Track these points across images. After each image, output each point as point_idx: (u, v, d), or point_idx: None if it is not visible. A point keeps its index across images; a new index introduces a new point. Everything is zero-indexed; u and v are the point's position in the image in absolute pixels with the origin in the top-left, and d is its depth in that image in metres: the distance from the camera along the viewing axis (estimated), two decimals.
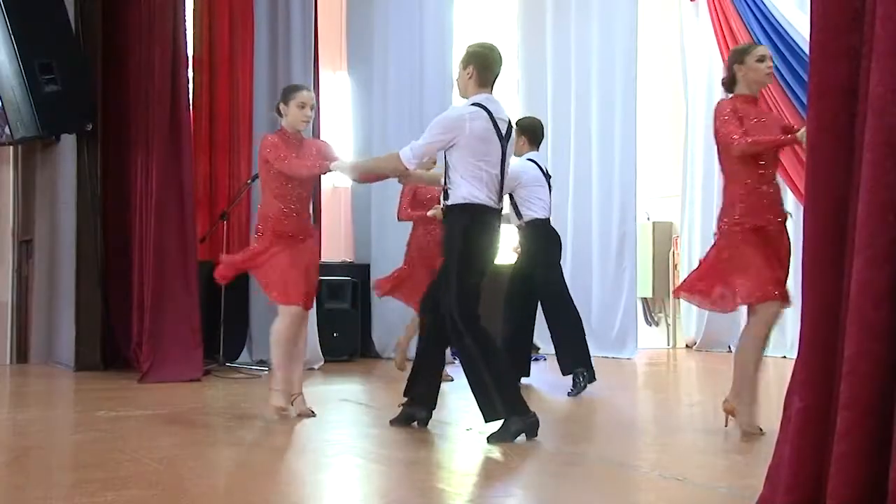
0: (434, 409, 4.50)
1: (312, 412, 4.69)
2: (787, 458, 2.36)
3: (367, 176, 4.82)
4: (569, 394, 5.72)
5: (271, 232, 4.66)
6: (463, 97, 4.37)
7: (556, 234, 6.14)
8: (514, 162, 5.82)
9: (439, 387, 4.52)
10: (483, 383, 4.04)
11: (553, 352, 6.21)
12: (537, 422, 4.03)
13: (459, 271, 4.12)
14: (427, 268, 6.03)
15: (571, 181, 9.06)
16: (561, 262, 6.16)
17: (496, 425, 4.04)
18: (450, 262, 4.17)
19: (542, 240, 5.97)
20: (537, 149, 6.15)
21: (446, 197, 4.22)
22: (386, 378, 6.73)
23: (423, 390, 4.49)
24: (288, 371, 4.66)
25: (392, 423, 4.49)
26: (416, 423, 4.47)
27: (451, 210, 4.21)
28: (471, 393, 4.12)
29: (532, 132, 6.10)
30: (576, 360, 5.84)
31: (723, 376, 7.60)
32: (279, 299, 4.63)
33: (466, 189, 4.14)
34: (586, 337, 6.03)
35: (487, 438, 3.98)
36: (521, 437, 3.98)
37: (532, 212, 5.93)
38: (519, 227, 6.03)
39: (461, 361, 4.19)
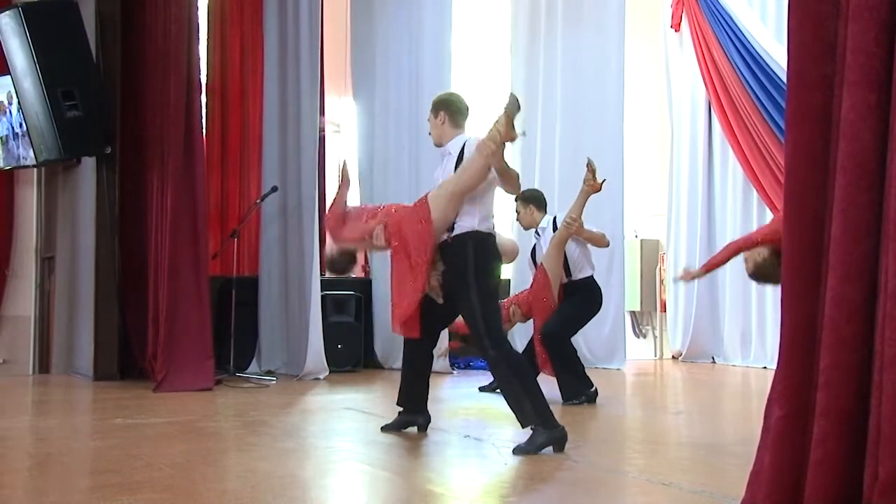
0: (427, 411, 4.54)
1: None
2: (768, 465, 2.36)
3: None
4: (564, 403, 5.71)
5: None
6: (438, 143, 4.39)
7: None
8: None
9: (427, 390, 4.55)
10: (516, 395, 4.02)
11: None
12: (565, 435, 3.96)
13: (482, 298, 4.08)
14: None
15: (561, 201, 9.05)
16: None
17: (522, 437, 4.01)
18: (469, 296, 4.09)
19: (598, 296, 6.00)
20: (546, 212, 6.14)
21: (451, 229, 4.20)
22: (388, 388, 6.72)
23: (414, 397, 4.54)
24: None
25: (384, 429, 4.53)
26: (416, 428, 4.52)
27: (458, 239, 4.18)
28: (506, 405, 4.11)
29: (537, 201, 6.11)
30: (577, 391, 5.81)
31: (706, 386, 7.63)
32: None
33: (471, 218, 4.18)
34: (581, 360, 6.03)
35: (513, 450, 3.89)
36: (548, 450, 3.90)
37: (586, 271, 5.95)
38: (566, 284, 5.92)
39: (496, 378, 4.22)
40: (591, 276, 6.00)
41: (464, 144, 4.25)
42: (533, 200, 6.09)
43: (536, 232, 6.10)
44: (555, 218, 6.02)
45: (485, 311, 4.07)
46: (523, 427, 4.02)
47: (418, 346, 4.47)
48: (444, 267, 4.22)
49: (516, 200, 6.16)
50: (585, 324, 6.13)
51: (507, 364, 4.06)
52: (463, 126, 4.36)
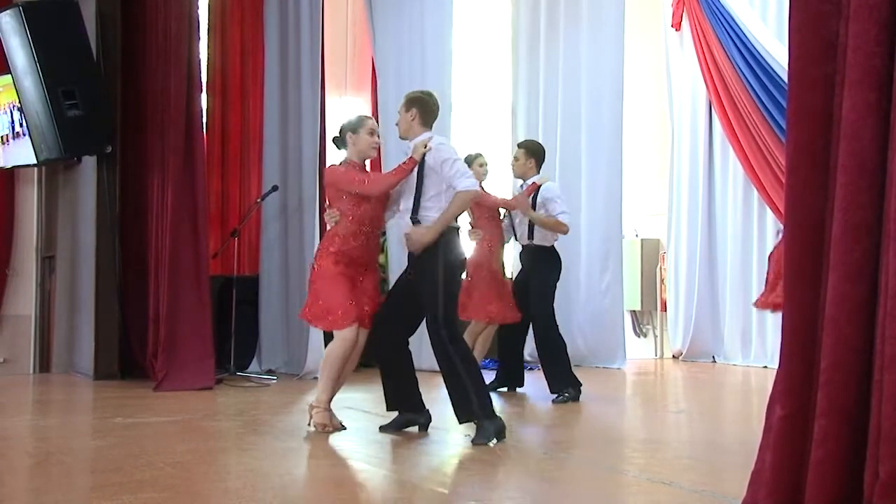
0: (427, 410, 4.55)
1: (343, 426, 4.58)
2: (769, 464, 2.36)
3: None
4: (553, 400, 5.73)
5: (336, 251, 4.42)
6: (404, 137, 4.52)
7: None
8: (547, 185, 6.02)
9: (417, 387, 4.57)
10: (463, 389, 4.17)
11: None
12: (504, 425, 4.19)
13: (446, 289, 4.25)
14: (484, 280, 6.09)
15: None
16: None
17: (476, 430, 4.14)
18: (435, 282, 4.24)
19: (557, 262, 6.00)
20: (540, 171, 6.17)
21: (417, 222, 4.31)
22: None
23: (404, 396, 4.56)
24: (334, 391, 4.57)
25: (383, 429, 4.54)
26: (417, 428, 4.53)
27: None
28: (448, 396, 4.25)
29: (539, 159, 6.15)
30: (564, 381, 5.84)
31: (707, 385, 7.63)
32: (334, 325, 4.42)
33: (435, 213, 4.30)
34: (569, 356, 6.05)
35: (472, 441, 4.10)
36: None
37: (552, 236, 5.97)
38: (527, 246, 6.02)
39: (443, 368, 4.26)
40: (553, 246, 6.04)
41: (424, 154, 4.34)
42: (535, 156, 6.15)
43: (523, 187, 6.15)
44: (539, 187, 6.00)
45: (446, 303, 4.23)
46: (460, 423, 4.22)
47: (391, 344, 4.49)
48: (416, 258, 4.33)
49: (520, 147, 6.26)
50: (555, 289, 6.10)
51: (461, 359, 4.19)
52: (431, 126, 4.51)
